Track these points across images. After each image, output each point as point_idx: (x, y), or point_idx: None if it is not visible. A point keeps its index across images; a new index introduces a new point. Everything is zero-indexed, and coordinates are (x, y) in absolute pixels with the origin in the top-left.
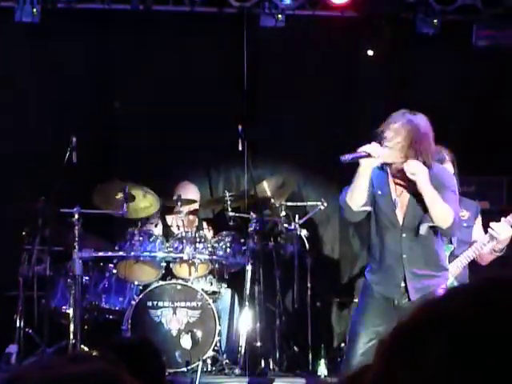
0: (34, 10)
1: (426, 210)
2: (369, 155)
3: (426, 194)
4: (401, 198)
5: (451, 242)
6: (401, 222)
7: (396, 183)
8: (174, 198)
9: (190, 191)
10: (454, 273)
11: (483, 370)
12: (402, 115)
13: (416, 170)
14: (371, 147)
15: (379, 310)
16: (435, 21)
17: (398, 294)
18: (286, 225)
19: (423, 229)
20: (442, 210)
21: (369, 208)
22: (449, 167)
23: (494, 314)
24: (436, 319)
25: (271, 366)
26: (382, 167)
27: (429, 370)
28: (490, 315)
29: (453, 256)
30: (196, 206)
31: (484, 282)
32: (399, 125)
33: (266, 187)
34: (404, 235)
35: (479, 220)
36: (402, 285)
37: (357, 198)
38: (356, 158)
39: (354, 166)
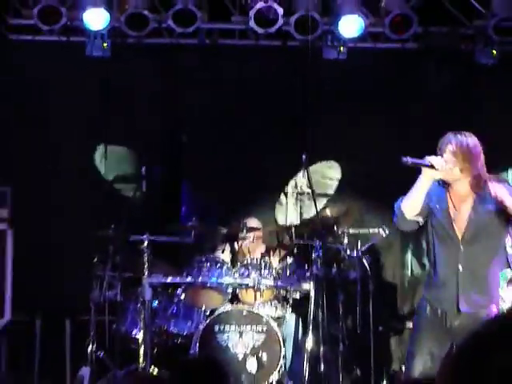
0: (105, 44)
1: (487, 226)
2: (432, 166)
3: (503, 199)
4: (459, 213)
5: (510, 267)
6: (460, 236)
7: (454, 199)
8: (241, 225)
9: (254, 223)
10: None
11: None
12: (455, 137)
13: (501, 192)
14: (436, 159)
15: (433, 331)
16: (494, 51)
17: (450, 307)
18: (348, 251)
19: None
20: None
21: (421, 219)
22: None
23: None
24: (496, 339)
25: None
26: (440, 183)
27: None
28: None
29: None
30: (260, 233)
31: None
32: (455, 147)
33: (330, 215)
34: (462, 249)
35: None
36: (455, 298)
37: (412, 206)
38: (418, 164)
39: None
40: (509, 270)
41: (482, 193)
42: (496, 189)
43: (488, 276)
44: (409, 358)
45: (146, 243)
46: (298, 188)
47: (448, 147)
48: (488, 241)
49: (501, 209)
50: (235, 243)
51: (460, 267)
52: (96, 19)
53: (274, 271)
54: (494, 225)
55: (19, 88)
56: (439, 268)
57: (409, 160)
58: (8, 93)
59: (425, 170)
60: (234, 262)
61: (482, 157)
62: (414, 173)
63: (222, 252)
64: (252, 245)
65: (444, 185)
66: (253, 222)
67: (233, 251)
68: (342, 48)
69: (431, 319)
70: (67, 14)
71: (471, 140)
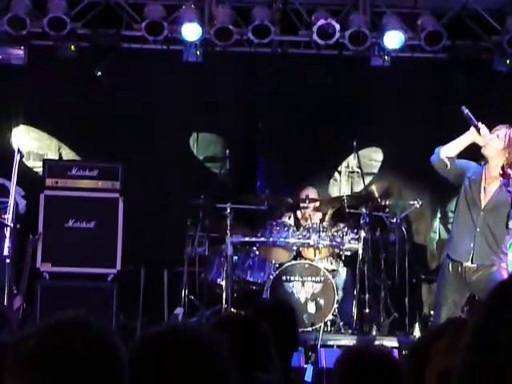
0: (198, 52)
1: (505, 204)
2: (478, 130)
3: None
4: (488, 188)
5: None
6: (483, 205)
7: (487, 176)
8: (303, 197)
9: (313, 193)
10: None
11: None
12: (506, 128)
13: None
14: (484, 128)
15: (454, 284)
16: (508, 60)
17: (466, 258)
18: (389, 219)
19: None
20: None
21: (449, 165)
22: None
23: None
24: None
25: (376, 328)
26: (481, 164)
27: None
28: None
29: None
30: (318, 203)
31: None
32: (503, 133)
33: (375, 189)
34: (482, 214)
35: None
36: (471, 251)
37: (448, 149)
38: (471, 119)
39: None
40: None
41: (508, 180)
42: None
43: (498, 240)
44: (436, 307)
45: (228, 210)
46: (350, 167)
47: (497, 132)
48: (502, 215)
49: None
50: (299, 211)
51: (478, 229)
52: (191, 32)
53: (329, 233)
54: (510, 205)
55: (129, 86)
56: (461, 227)
57: (467, 113)
58: (121, 89)
59: (472, 129)
60: (297, 226)
61: None
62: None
63: (289, 218)
64: (312, 212)
65: (484, 165)
66: (311, 192)
67: (296, 217)
68: (386, 57)
69: (453, 274)
70: (168, 28)
71: None
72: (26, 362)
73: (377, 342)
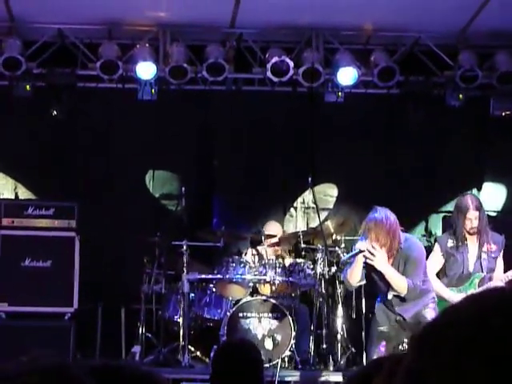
0: (153, 90)
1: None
2: (360, 251)
3: (384, 273)
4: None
5: (482, 271)
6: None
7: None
8: (259, 233)
9: (275, 228)
10: None
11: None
12: (373, 218)
13: (374, 259)
14: (361, 244)
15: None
16: (461, 95)
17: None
18: (345, 253)
19: (390, 295)
20: (398, 284)
21: (363, 282)
22: (473, 213)
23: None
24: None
25: (333, 363)
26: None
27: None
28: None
29: (484, 280)
30: (277, 239)
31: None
32: (374, 229)
33: (330, 225)
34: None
35: (502, 252)
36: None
37: (354, 277)
38: (353, 256)
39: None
40: (481, 273)
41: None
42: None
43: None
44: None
45: (184, 247)
46: (305, 203)
47: (369, 229)
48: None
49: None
50: (255, 247)
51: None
52: (146, 70)
53: (286, 269)
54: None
55: (85, 124)
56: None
57: (345, 258)
58: (75, 128)
59: (358, 257)
60: (254, 261)
61: (396, 228)
62: (394, 188)
63: (245, 254)
64: (268, 248)
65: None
66: (274, 226)
67: (253, 253)
68: (340, 93)
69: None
70: (123, 66)
71: (385, 215)
72: None
73: (322, 378)
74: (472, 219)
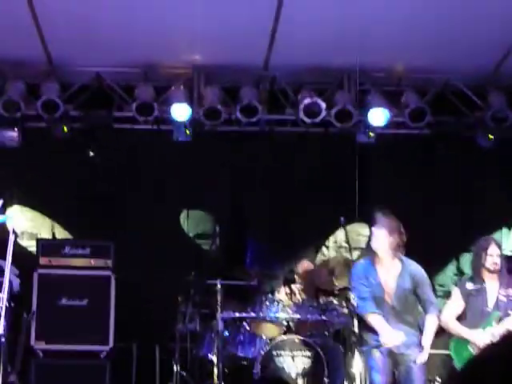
0: (187, 131)
1: None
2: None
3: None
4: None
5: (498, 308)
6: None
7: None
8: (293, 272)
9: (308, 266)
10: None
11: None
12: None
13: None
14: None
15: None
16: (491, 136)
17: None
18: None
19: None
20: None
21: None
22: (495, 249)
23: None
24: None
25: None
26: None
27: None
28: None
29: (502, 319)
30: (307, 278)
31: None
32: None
33: None
34: None
35: None
36: None
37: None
38: None
39: None
40: (498, 312)
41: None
42: None
43: None
44: None
45: (219, 286)
46: (337, 242)
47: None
48: None
49: None
50: (289, 285)
51: None
52: (181, 112)
53: (319, 308)
54: None
55: (121, 164)
56: None
57: None
58: (111, 169)
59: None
60: (287, 300)
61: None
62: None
63: (279, 292)
64: (301, 287)
65: None
66: (307, 265)
67: (287, 292)
68: (371, 134)
69: None
70: (158, 108)
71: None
72: None
73: None
74: (494, 255)
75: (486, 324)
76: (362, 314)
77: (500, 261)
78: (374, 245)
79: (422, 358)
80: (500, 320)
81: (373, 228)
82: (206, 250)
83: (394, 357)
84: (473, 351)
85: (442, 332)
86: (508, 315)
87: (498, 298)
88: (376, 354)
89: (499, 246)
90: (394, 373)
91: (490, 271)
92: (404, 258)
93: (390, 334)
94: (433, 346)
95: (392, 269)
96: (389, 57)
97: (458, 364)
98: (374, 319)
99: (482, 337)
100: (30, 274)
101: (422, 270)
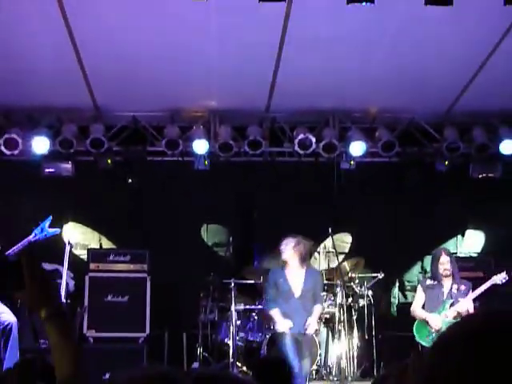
0: (206, 162)
1: None
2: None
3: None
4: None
5: (451, 297)
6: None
7: None
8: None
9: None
10: (452, 315)
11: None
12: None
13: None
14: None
15: None
16: (446, 162)
17: None
18: (359, 287)
19: None
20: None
21: None
22: (445, 257)
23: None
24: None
25: (351, 375)
26: None
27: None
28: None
29: (453, 305)
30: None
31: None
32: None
33: (346, 265)
34: None
35: (470, 294)
36: None
37: None
38: None
39: None
40: (450, 299)
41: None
42: None
43: None
44: None
45: (232, 284)
46: (326, 248)
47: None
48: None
49: None
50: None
51: None
52: (200, 146)
53: None
54: None
55: (154, 189)
56: None
57: None
58: (146, 193)
59: None
60: None
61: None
62: (398, 236)
63: None
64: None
65: None
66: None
67: None
68: (352, 162)
69: None
70: (183, 144)
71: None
72: None
73: None
74: (444, 262)
75: (441, 309)
76: (267, 310)
77: (450, 266)
78: (283, 256)
79: (309, 330)
80: (451, 305)
81: (282, 246)
82: (221, 255)
83: (294, 335)
84: (430, 329)
85: (411, 318)
86: (458, 302)
87: (451, 290)
88: (286, 336)
89: (449, 254)
90: (298, 345)
91: (443, 276)
92: (308, 267)
93: (282, 323)
94: (401, 329)
95: (299, 273)
96: (365, 101)
97: (418, 339)
98: (273, 313)
99: (437, 318)
100: (82, 277)
101: (319, 276)
